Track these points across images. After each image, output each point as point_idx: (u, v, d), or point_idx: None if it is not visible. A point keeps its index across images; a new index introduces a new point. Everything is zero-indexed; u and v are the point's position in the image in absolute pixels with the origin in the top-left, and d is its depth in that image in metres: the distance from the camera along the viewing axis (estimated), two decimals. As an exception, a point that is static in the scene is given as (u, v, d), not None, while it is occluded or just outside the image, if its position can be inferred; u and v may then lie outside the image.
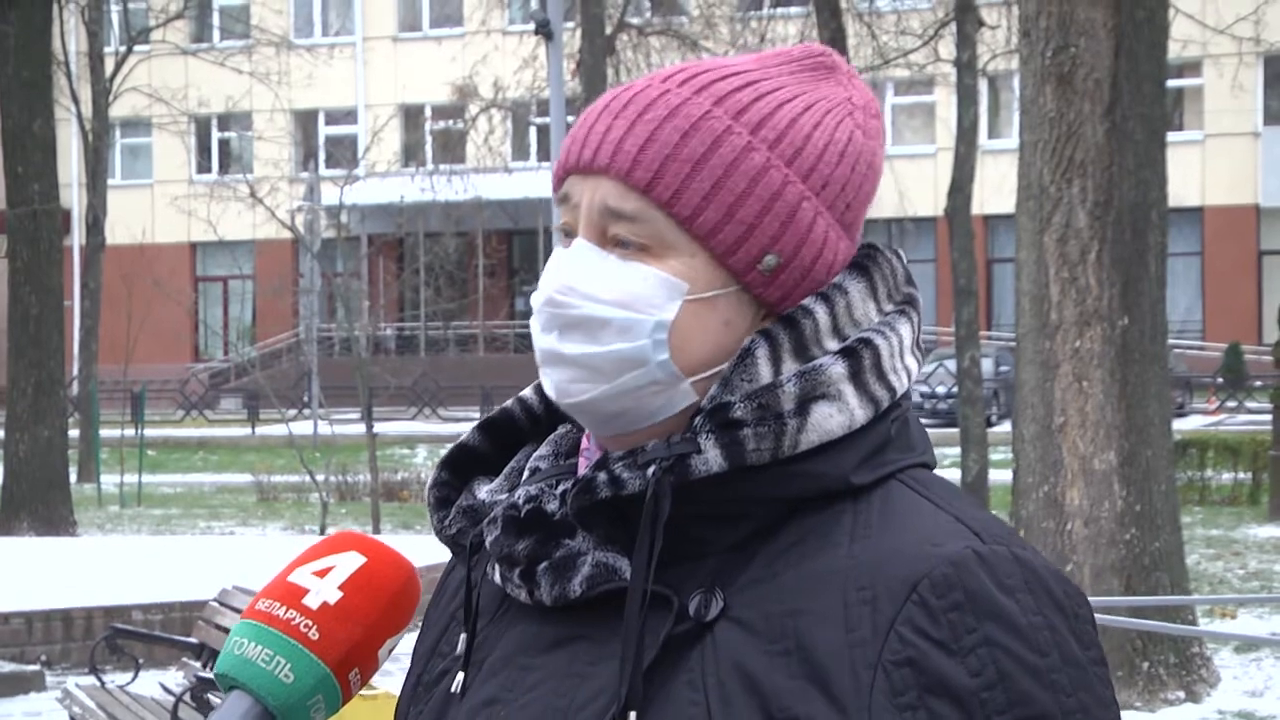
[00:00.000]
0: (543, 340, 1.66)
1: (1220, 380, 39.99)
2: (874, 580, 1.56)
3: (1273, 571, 17.16)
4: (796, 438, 1.59)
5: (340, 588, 1.64)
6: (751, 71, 1.69)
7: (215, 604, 10.12)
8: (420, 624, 1.86)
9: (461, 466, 1.77)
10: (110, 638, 10.80)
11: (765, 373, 1.62)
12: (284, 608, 1.62)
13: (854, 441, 1.62)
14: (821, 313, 1.65)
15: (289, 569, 1.66)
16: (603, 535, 1.62)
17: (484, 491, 1.74)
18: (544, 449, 1.75)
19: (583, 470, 1.69)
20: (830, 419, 1.61)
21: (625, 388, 1.63)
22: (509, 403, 1.79)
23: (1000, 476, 19.85)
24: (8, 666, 12.21)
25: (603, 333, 1.63)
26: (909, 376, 1.68)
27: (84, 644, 12.19)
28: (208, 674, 9.43)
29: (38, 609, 12.77)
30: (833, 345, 1.65)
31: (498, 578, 1.68)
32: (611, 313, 1.63)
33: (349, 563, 1.66)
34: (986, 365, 30.27)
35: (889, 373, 1.65)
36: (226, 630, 9.76)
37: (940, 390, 36.48)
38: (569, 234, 1.68)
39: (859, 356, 1.64)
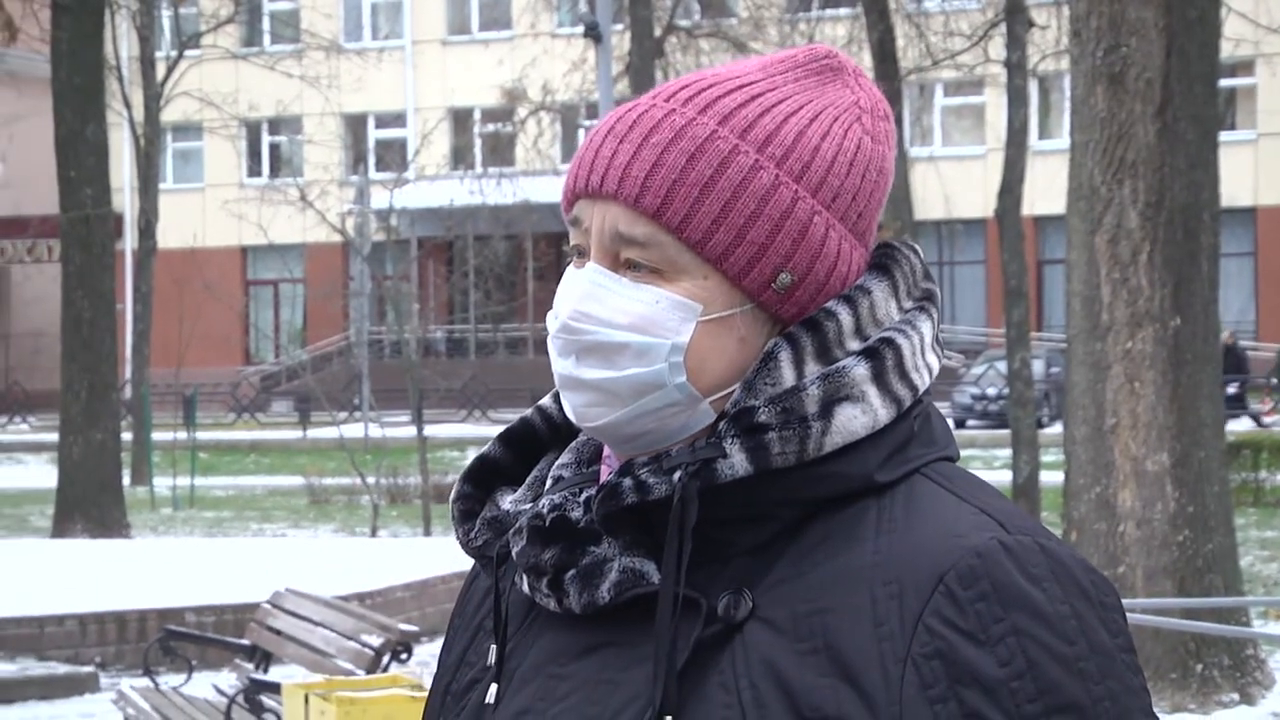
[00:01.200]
0: (560, 365, 1.67)
1: (1275, 381, 39.75)
2: (900, 574, 1.57)
3: (1327, 573, 17.05)
4: (821, 440, 1.60)
5: None
6: (756, 83, 1.68)
7: (267, 606, 10.16)
8: (445, 633, 1.87)
9: (484, 478, 1.77)
10: (163, 640, 10.85)
11: (788, 376, 1.62)
12: None
13: (877, 441, 1.62)
14: (845, 314, 1.65)
15: None
16: (629, 540, 1.63)
17: (508, 502, 1.74)
18: (566, 457, 1.75)
19: (605, 477, 1.69)
20: (854, 420, 1.61)
21: (644, 410, 1.64)
22: (529, 412, 1.79)
23: (1052, 478, 19.75)
24: (62, 668, 12.28)
25: (619, 357, 1.63)
26: (930, 374, 1.69)
27: (138, 646, 12.26)
28: (260, 675, 9.47)
29: (91, 611, 12.84)
30: (855, 346, 1.65)
31: (525, 587, 1.68)
32: (627, 337, 1.63)
33: None
34: (1037, 367, 30.16)
35: (911, 371, 1.66)
36: (278, 632, 9.81)
37: (991, 392, 36.35)
38: (582, 254, 1.67)
39: (881, 357, 1.64)
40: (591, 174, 1.66)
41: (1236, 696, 10.89)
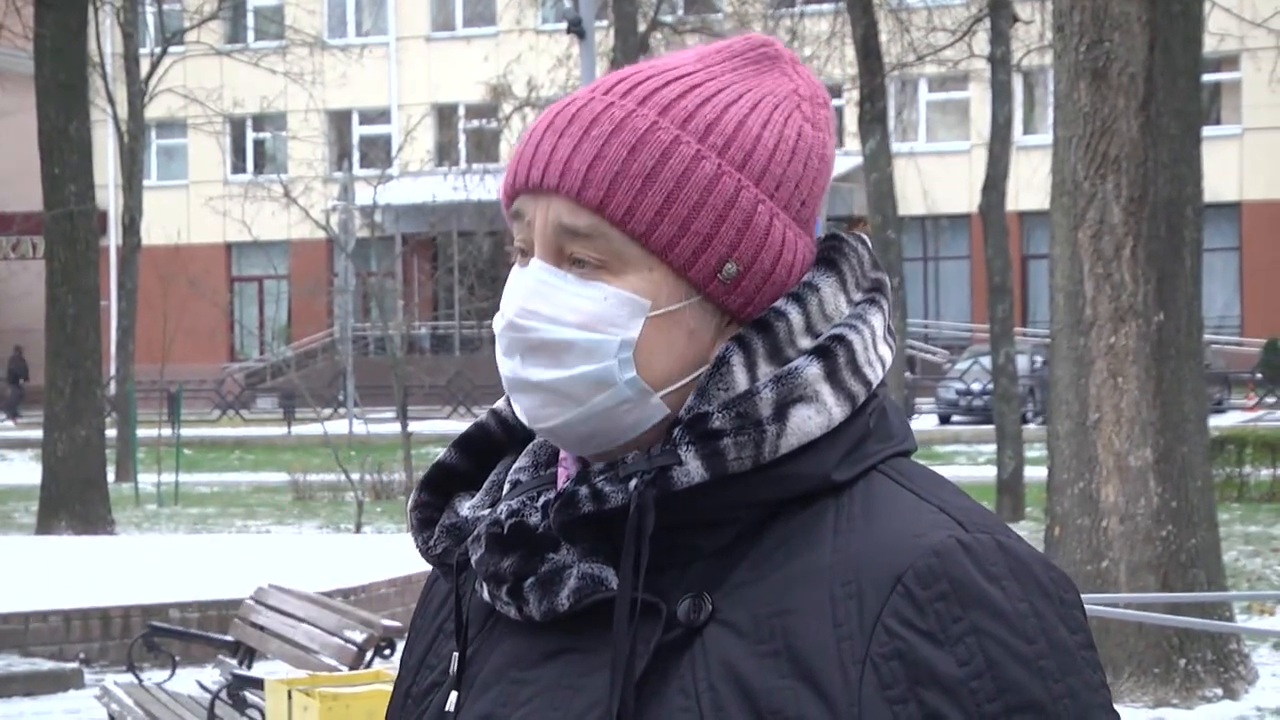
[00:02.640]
0: (506, 365, 1.66)
1: (1259, 376, 39.83)
2: (859, 574, 1.56)
3: (1310, 568, 17.08)
4: (776, 443, 1.59)
5: None
6: (694, 73, 1.66)
7: (251, 602, 10.16)
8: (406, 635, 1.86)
9: (441, 485, 1.76)
10: (148, 636, 10.84)
11: (741, 380, 1.61)
12: None
13: (833, 439, 1.62)
14: (794, 313, 1.64)
15: None
16: (588, 547, 1.62)
17: (466, 508, 1.73)
18: (522, 460, 1.73)
19: (563, 480, 1.68)
20: (809, 421, 1.60)
21: (596, 409, 1.62)
22: (483, 416, 1.78)
23: (1036, 473, 19.78)
24: (47, 664, 12.27)
25: (567, 356, 1.62)
26: (883, 366, 1.67)
27: (122, 642, 12.25)
28: (244, 671, 9.47)
29: (76, 607, 12.83)
30: (806, 343, 1.64)
31: (486, 595, 1.67)
32: (574, 335, 1.62)
33: None
34: (1022, 362, 30.18)
35: (864, 366, 1.65)
36: (262, 628, 9.81)
37: (975, 387, 36.39)
38: (525, 253, 1.66)
39: (833, 355, 1.63)
40: (532, 169, 1.64)
41: (1220, 691, 10.91)
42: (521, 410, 1.67)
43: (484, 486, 1.74)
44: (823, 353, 1.63)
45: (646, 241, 1.61)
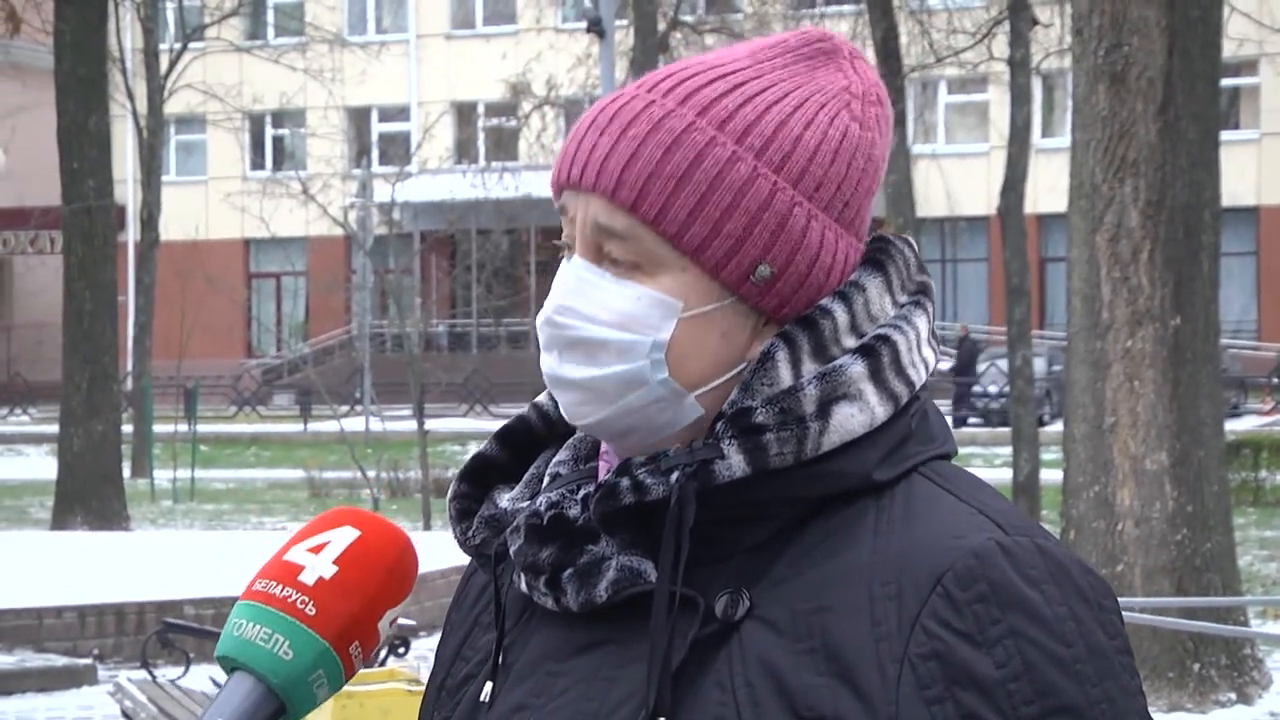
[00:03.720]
0: (545, 361, 1.67)
1: (1275, 380, 39.74)
2: (898, 574, 1.57)
3: (1326, 573, 17.05)
4: (819, 440, 1.59)
5: (335, 562, 1.64)
6: (742, 70, 1.66)
7: (266, 599, 10.14)
8: (442, 628, 1.87)
9: (481, 476, 1.76)
10: (162, 632, 10.86)
11: (785, 376, 1.62)
12: (280, 586, 1.63)
13: (875, 439, 1.62)
14: (840, 312, 1.64)
15: (285, 548, 1.67)
16: (627, 539, 1.62)
17: (505, 500, 1.74)
18: (563, 454, 1.74)
19: (603, 474, 1.68)
20: (852, 419, 1.61)
21: (630, 407, 1.63)
22: (525, 410, 1.79)
23: (1052, 476, 19.75)
24: (60, 660, 12.29)
25: (601, 354, 1.63)
26: (927, 369, 1.68)
27: (136, 638, 12.26)
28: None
29: (90, 603, 12.85)
30: (851, 343, 1.64)
31: (523, 586, 1.68)
32: (609, 334, 1.63)
33: (343, 537, 1.66)
34: (1039, 364, 30.15)
35: (908, 368, 1.65)
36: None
37: (993, 389, 36.34)
38: (571, 248, 1.67)
39: (878, 354, 1.63)
40: (574, 166, 1.65)
41: (1234, 696, 10.89)
42: (561, 405, 1.68)
43: (523, 479, 1.75)
44: (867, 352, 1.63)
45: (678, 243, 1.62)
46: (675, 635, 1.58)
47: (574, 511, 1.65)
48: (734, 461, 1.59)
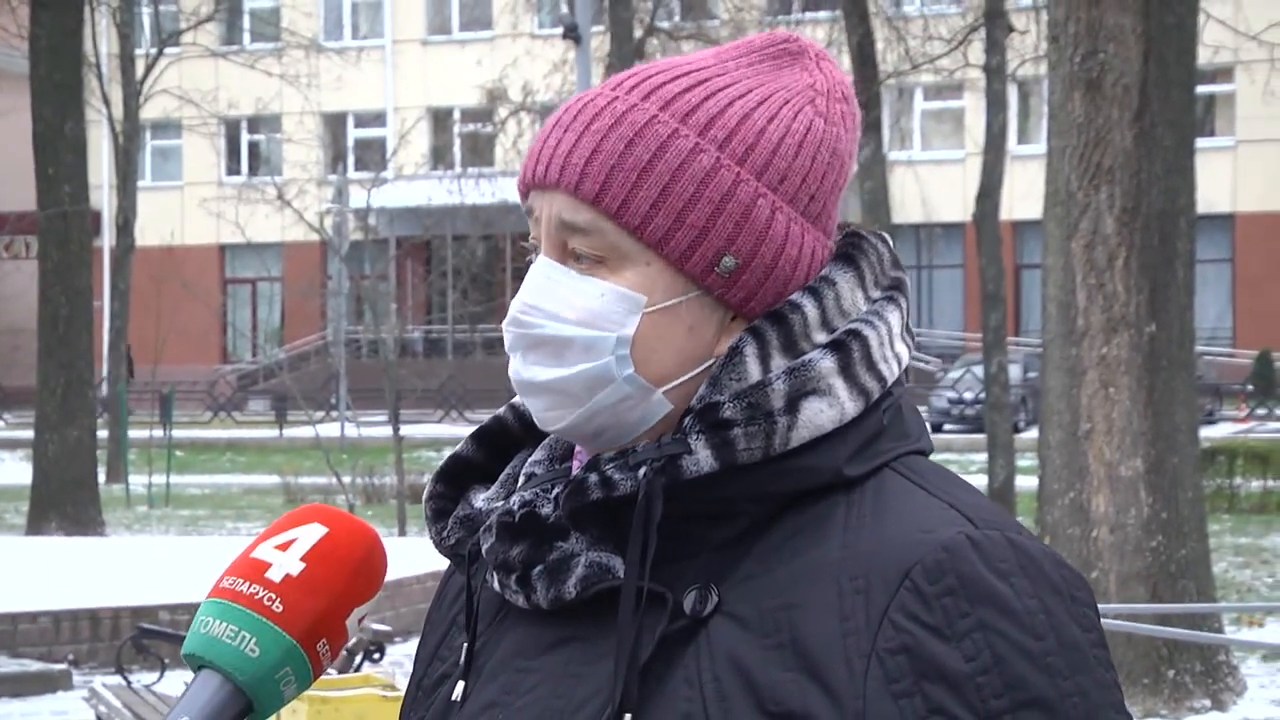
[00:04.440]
0: (511, 365, 1.67)
1: (1250, 387, 39.85)
2: (867, 569, 1.56)
3: (1300, 580, 17.09)
4: (787, 435, 1.59)
5: (302, 559, 1.64)
6: (706, 69, 1.67)
7: (241, 605, 10.12)
8: (421, 632, 1.88)
9: (457, 477, 1.77)
10: (137, 638, 10.82)
11: (754, 371, 1.61)
12: (247, 583, 1.63)
13: (846, 434, 1.62)
14: (810, 307, 1.64)
15: (252, 546, 1.67)
16: (596, 536, 1.62)
17: (480, 500, 1.74)
18: (538, 454, 1.75)
19: (576, 473, 1.68)
20: (821, 414, 1.60)
21: (598, 407, 1.63)
22: (501, 410, 1.79)
23: (1027, 483, 19.80)
24: (35, 665, 12.25)
25: (567, 353, 1.63)
26: (900, 364, 1.67)
27: (111, 644, 12.23)
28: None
29: (65, 608, 12.80)
30: (821, 338, 1.64)
31: (495, 584, 1.68)
32: (573, 331, 1.63)
33: (310, 534, 1.66)
34: (1014, 371, 30.21)
35: (879, 363, 1.65)
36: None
37: (968, 396, 36.38)
38: (536, 251, 1.68)
39: (848, 349, 1.63)
40: (538, 164, 1.66)
41: (1208, 703, 10.92)
42: (533, 413, 1.68)
43: (499, 479, 1.75)
44: (837, 346, 1.63)
45: (642, 234, 1.61)
46: (643, 631, 1.57)
47: (546, 510, 1.65)
48: (701, 457, 1.59)
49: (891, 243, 1.73)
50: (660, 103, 1.64)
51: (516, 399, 1.78)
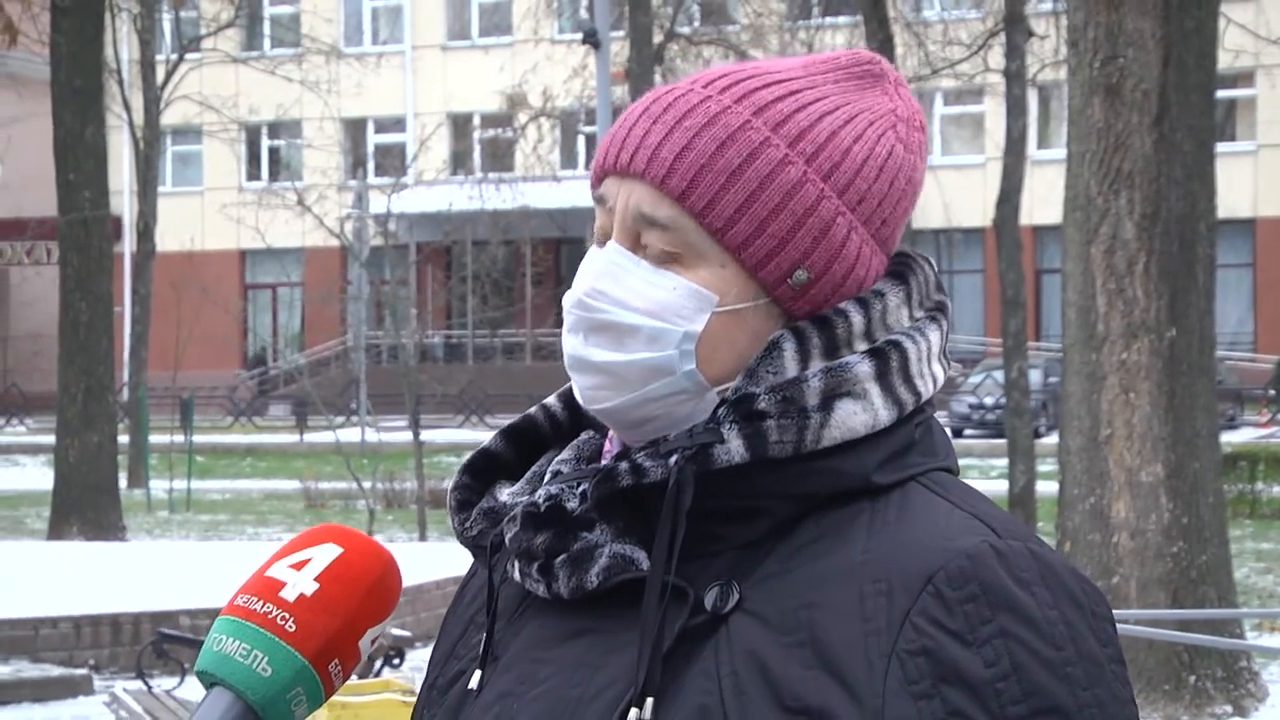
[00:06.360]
0: (569, 343, 1.68)
1: (1272, 392, 39.75)
2: (889, 573, 1.57)
3: (1322, 585, 17.04)
4: (819, 433, 1.60)
5: (317, 579, 1.64)
6: (796, 79, 1.68)
7: (261, 610, 10.13)
8: (437, 634, 1.88)
9: (483, 472, 1.78)
10: (157, 643, 10.84)
11: (791, 367, 1.63)
12: (261, 602, 1.63)
13: (877, 441, 1.63)
14: (856, 316, 1.65)
15: (267, 564, 1.67)
16: (621, 528, 1.63)
17: (505, 494, 1.75)
18: (566, 453, 1.75)
19: (606, 462, 1.70)
20: (854, 416, 1.61)
21: (651, 396, 1.64)
22: (533, 409, 1.80)
23: (1048, 488, 19.75)
24: (56, 670, 12.28)
25: (630, 340, 1.64)
26: (935, 383, 1.69)
27: (131, 649, 12.25)
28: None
29: (86, 614, 12.83)
30: (862, 347, 1.65)
31: (517, 574, 1.69)
32: (640, 320, 1.64)
33: (325, 554, 1.66)
34: (1035, 376, 30.13)
35: (915, 377, 1.66)
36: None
37: (988, 401, 36.33)
38: (605, 235, 1.68)
39: (886, 357, 1.64)
40: (622, 151, 1.67)
41: (1230, 709, 10.89)
42: (578, 389, 1.69)
43: (525, 476, 1.76)
44: (876, 354, 1.65)
45: (722, 237, 1.63)
46: (664, 624, 1.58)
47: (572, 504, 1.66)
48: (733, 446, 1.60)
49: (935, 267, 1.75)
50: (754, 108, 1.65)
51: (549, 399, 1.80)
